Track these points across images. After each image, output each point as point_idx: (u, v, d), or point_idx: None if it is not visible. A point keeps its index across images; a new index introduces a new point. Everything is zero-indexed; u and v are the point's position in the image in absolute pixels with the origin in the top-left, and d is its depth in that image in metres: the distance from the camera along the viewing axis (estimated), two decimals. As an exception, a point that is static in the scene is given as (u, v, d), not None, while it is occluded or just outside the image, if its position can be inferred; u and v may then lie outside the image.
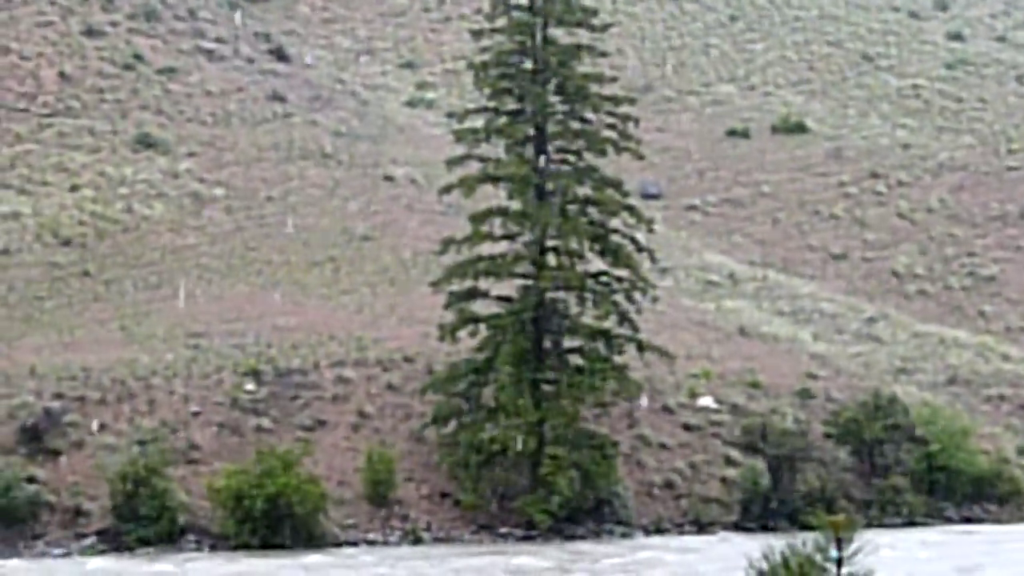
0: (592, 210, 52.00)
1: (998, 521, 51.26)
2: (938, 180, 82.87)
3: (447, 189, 54.99)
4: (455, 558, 44.17)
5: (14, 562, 43.20)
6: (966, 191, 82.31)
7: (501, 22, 54.57)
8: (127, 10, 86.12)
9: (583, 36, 54.08)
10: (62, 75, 77.38)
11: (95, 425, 48.82)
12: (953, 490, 52.89)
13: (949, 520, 51.71)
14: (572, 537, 46.99)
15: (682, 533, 48.33)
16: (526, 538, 46.67)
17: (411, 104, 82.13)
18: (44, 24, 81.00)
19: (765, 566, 4.17)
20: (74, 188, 66.99)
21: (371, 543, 46.04)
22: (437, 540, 46.93)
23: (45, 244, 63.16)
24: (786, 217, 78.09)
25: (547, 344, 51.11)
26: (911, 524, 49.24)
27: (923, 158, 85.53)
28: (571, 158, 52.39)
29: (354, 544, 45.63)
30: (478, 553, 44.79)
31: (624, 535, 47.82)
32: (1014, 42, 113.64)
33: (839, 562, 4.18)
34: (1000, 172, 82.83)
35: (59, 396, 49.25)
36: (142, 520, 45.50)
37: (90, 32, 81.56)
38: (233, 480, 46.09)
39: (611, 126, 52.51)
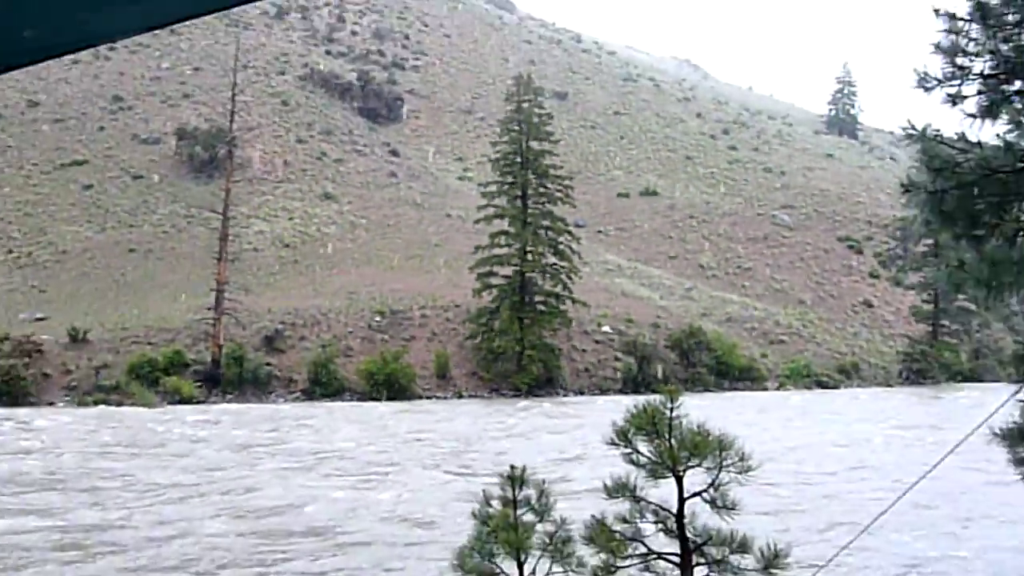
0: (550, 233, 59.97)
1: (750, 390, 58.40)
2: (723, 220, 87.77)
3: (478, 221, 62.52)
4: (482, 406, 49.13)
5: (259, 407, 47.28)
6: (737, 225, 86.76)
7: (506, 139, 62.57)
8: (318, 129, 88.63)
9: (546, 144, 62.04)
10: (285, 163, 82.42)
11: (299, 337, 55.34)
12: (727, 375, 60.12)
13: (725, 390, 57.90)
14: (538, 396, 52.98)
15: (592, 395, 54.51)
16: (515, 396, 52.69)
17: (460, 179, 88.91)
18: (276, 135, 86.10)
19: (635, 409, 6.99)
20: (290, 218, 75.34)
21: (438, 399, 52.77)
22: (471, 397, 53.48)
23: (276, 246, 70.26)
24: (648, 238, 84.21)
25: (527, 299, 58.25)
26: (707, 391, 54.98)
27: (716, 208, 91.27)
28: (540, 206, 60.49)
29: (429, 399, 52.14)
30: (494, 403, 50.42)
31: (563, 395, 54.85)
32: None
33: (671, 409, 7.01)
34: (754, 216, 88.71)
35: (282, 323, 56.20)
36: (323, 385, 52.03)
37: (299, 140, 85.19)
38: (369, 365, 52.87)
39: (559, 190, 61.65)
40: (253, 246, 68.45)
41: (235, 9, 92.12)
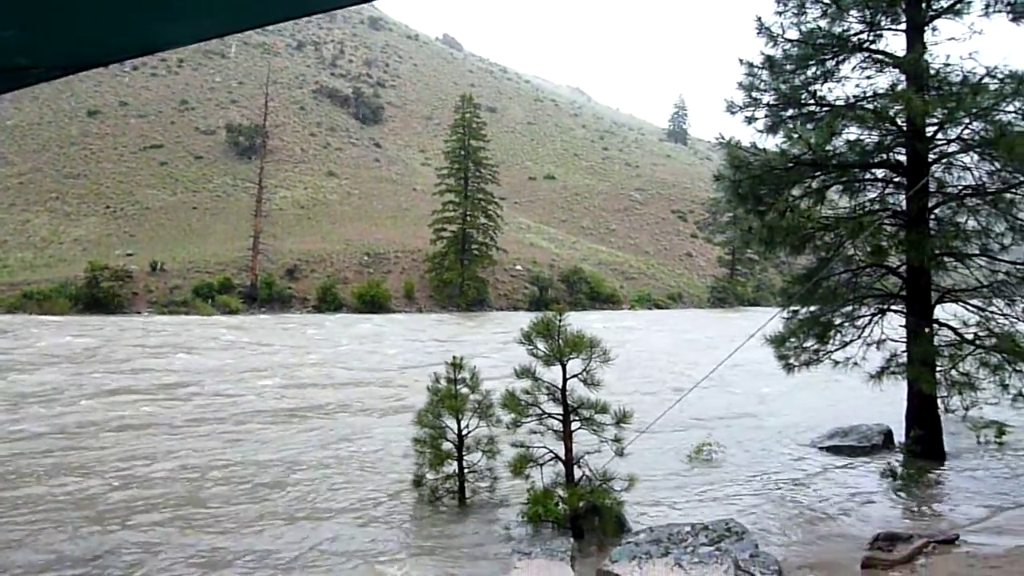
0: (483, 202, 58.77)
1: (612, 310, 57.09)
2: (597, 197, 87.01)
3: (435, 194, 60.74)
4: (436, 317, 47.19)
5: (281, 315, 45.12)
6: (607, 201, 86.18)
7: (454, 138, 60.56)
8: (324, 127, 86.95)
9: (481, 143, 60.16)
10: (302, 150, 79.71)
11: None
12: (598, 299, 59.14)
13: (596, 309, 55.99)
14: (473, 311, 51.65)
15: (510, 311, 52.59)
16: (459, 311, 51.71)
17: (423, 164, 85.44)
18: (295, 131, 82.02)
19: (535, 320, 7.15)
20: (305, 188, 71.78)
21: (406, 312, 50.38)
22: (429, 312, 51.23)
23: (295, 207, 67.43)
24: (548, 208, 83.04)
25: (466, 247, 56.88)
26: (584, 310, 53.03)
27: (593, 189, 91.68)
28: (476, 184, 59.10)
29: (399, 313, 49.12)
30: (445, 316, 48.33)
31: (490, 311, 53.25)
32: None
33: (559, 320, 7.10)
34: (618, 195, 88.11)
35: (299, 260, 53.59)
36: (328, 303, 49.14)
37: (311, 135, 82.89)
38: (360, 289, 50.90)
39: (490, 174, 60.27)
40: (279, 207, 67.10)
41: (269, 40, 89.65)
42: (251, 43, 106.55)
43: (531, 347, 7.41)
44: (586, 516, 7.07)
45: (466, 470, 8.27)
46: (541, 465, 7.42)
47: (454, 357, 8.59)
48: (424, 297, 55.45)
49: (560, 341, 7.38)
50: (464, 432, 8.27)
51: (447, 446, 8.25)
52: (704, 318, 51.18)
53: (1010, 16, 10.22)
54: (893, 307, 10.56)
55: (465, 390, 8.41)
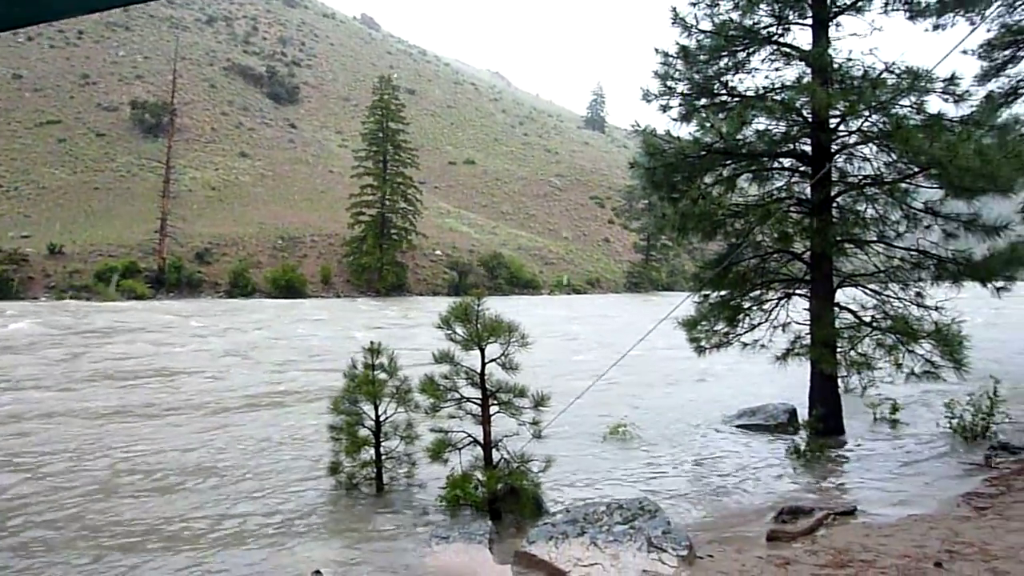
0: (402, 186, 57.96)
1: (532, 295, 57.03)
2: (517, 182, 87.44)
3: (352, 176, 59.55)
4: (355, 302, 46.13)
5: (190, 300, 43.84)
6: (526, 186, 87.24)
7: (372, 120, 59.35)
8: (236, 106, 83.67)
9: (400, 125, 59.10)
10: (212, 129, 76.26)
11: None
12: (517, 284, 59.24)
13: (516, 295, 56.17)
14: (392, 296, 51.14)
15: (429, 296, 51.67)
16: (377, 297, 50.51)
17: (340, 146, 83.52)
18: (206, 109, 79.40)
19: (454, 305, 7.26)
20: (216, 169, 69.49)
21: (322, 297, 49.14)
22: (347, 297, 50.26)
23: (205, 188, 64.68)
24: (467, 192, 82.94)
25: (385, 231, 55.90)
26: (504, 295, 53.36)
27: (513, 174, 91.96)
28: (395, 168, 58.10)
29: (316, 298, 48.44)
30: (362, 301, 47.22)
31: (409, 296, 52.36)
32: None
33: (478, 305, 7.08)
34: (537, 180, 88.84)
35: (209, 243, 52.47)
36: (240, 287, 48.23)
37: (223, 113, 79.62)
38: (274, 273, 49.71)
39: (409, 157, 59.37)
40: (188, 188, 64.66)
41: (177, 14, 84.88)
42: (158, 16, 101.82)
43: (450, 332, 7.41)
44: (504, 499, 7.12)
45: (384, 456, 8.19)
46: (460, 449, 7.42)
47: (371, 342, 8.47)
48: (341, 282, 54.74)
49: (479, 326, 7.38)
50: (382, 418, 8.17)
51: (364, 432, 8.15)
52: (622, 302, 51.81)
53: (907, 14, 10.84)
54: (798, 291, 10.99)
55: (383, 375, 8.32)
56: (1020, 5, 22.24)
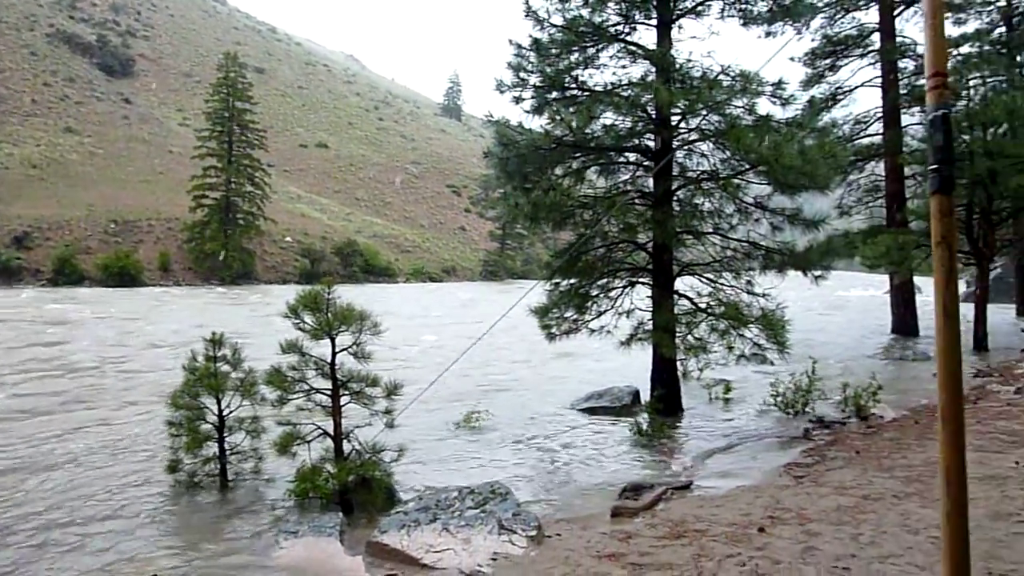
0: (249, 169, 56.57)
1: (387, 283, 56.26)
2: (373, 168, 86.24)
3: (194, 157, 57.57)
4: (197, 291, 44.85)
5: (7, 289, 41.49)
6: (382, 172, 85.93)
7: (216, 98, 57.12)
8: (61, 76, 76.87)
9: (247, 105, 57.37)
10: (33, 101, 69.59)
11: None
12: (372, 272, 58.41)
13: (371, 283, 55.47)
14: (239, 284, 49.86)
15: (278, 285, 50.20)
16: (222, 285, 49.29)
17: (181, 125, 79.85)
18: (25, 79, 77.49)
19: (302, 293, 6.97)
20: (37, 145, 64.45)
21: (160, 285, 47.56)
22: (188, 286, 48.69)
23: (24, 166, 59.70)
24: (320, 177, 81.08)
25: (230, 216, 54.59)
26: (358, 284, 52.42)
27: (368, 160, 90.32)
28: (242, 149, 56.49)
29: (153, 287, 46.80)
30: (205, 290, 46.04)
31: (257, 284, 51.12)
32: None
33: (328, 293, 7.05)
34: (393, 167, 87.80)
35: (29, 226, 49.22)
36: (66, 275, 46.08)
37: (45, 84, 72.92)
38: (106, 260, 47.29)
39: (256, 139, 57.97)
40: (4, 165, 59.16)
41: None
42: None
43: (298, 321, 7.22)
44: (356, 490, 7.04)
45: (228, 452, 7.85)
46: (309, 442, 7.27)
47: (213, 333, 8.08)
48: (182, 269, 52.54)
49: (329, 314, 7.24)
50: (225, 412, 7.82)
51: (206, 428, 7.77)
52: (479, 290, 52.22)
53: (741, 21, 11.62)
54: (641, 279, 11.53)
55: (226, 368, 7.96)
56: (839, 18, 24.49)
